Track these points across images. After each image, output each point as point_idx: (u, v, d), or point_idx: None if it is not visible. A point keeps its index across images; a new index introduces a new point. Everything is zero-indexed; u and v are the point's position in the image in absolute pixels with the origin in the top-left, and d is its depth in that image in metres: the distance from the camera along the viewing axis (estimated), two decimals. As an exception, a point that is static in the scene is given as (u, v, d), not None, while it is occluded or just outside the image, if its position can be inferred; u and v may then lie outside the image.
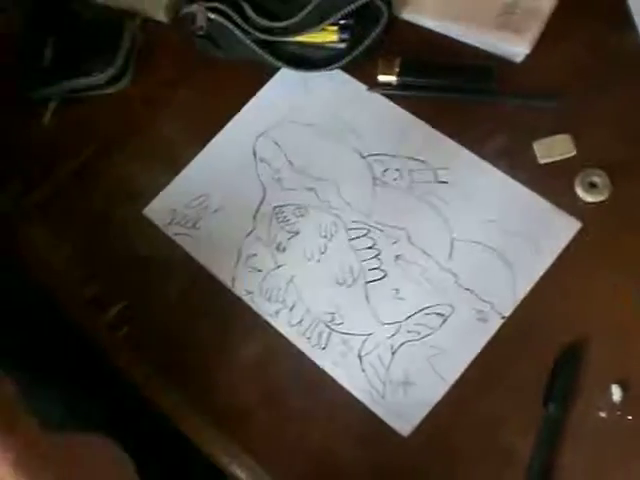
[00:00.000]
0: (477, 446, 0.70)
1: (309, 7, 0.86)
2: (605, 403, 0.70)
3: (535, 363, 0.72)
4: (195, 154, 0.87)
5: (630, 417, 0.69)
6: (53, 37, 0.93)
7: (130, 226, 0.84)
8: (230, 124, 0.88)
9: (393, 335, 0.75)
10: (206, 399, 0.75)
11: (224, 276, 0.80)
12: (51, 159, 0.85)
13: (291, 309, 0.78)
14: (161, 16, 0.95)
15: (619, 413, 0.69)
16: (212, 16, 0.88)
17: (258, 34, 0.87)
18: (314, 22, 0.86)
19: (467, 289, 0.76)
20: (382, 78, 0.87)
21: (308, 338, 0.76)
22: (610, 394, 0.70)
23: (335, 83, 0.89)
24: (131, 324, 0.80)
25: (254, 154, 0.86)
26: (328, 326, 0.76)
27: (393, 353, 0.74)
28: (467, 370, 0.73)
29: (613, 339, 0.73)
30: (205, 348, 0.78)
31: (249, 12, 0.87)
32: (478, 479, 0.69)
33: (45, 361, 0.80)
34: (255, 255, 0.80)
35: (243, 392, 0.75)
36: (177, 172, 0.86)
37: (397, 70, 0.86)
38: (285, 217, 0.82)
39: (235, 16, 0.87)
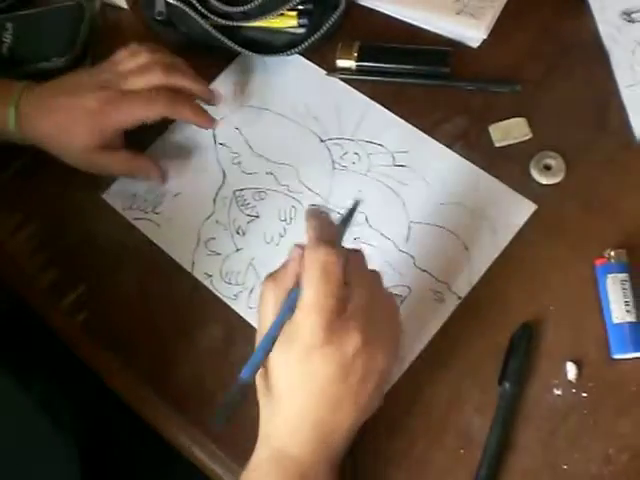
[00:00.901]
0: (434, 426, 0.71)
1: (267, -8, 0.86)
2: (560, 381, 0.71)
3: (491, 343, 0.73)
4: (155, 138, 0.87)
5: (585, 394, 0.70)
6: (11, 22, 0.93)
7: (89, 210, 0.84)
8: (190, 108, 0.88)
9: (351, 316, 0.76)
10: (166, 383, 0.75)
11: (184, 260, 0.80)
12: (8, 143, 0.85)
13: (251, 292, 0.78)
14: (121, 2, 0.95)
15: (574, 391, 0.70)
16: (171, 1, 0.88)
17: (217, 19, 0.87)
18: (273, 7, 0.86)
19: (424, 270, 0.77)
20: (341, 63, 0.88)
21: (268, 321, 0.76)
22: (565, 372, 0.71)
23: (294, 68, 0.89)
24: (89, 310, 0.79)
25: (214, 138, 0.86)
26: (288, 308, 0.77)
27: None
28: (424, 350, 0.74)
29: (568, 318, 0.74)
30: (165, 332, 0.77)
31: (207, -3, 0.87)
32: (435, 459, 0.69)
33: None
34: (214, 239, 0.81)
35: (204, 375, 0.75)
36: (138, 155, 0.86)
37: (355, 55, 0.87)
38: (245, 201, 0.82)
39: (194, 1, 0.87)
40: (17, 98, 0.81)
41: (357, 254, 0.66)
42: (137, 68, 0.83)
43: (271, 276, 0.65)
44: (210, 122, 0.85)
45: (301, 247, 0.64)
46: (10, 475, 0.65)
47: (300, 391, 0.62)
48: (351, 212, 0.68)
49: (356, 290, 0.62)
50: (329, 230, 0.65)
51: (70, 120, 0.81)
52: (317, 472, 0.63)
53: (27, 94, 0.82)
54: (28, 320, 0.81)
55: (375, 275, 0.66)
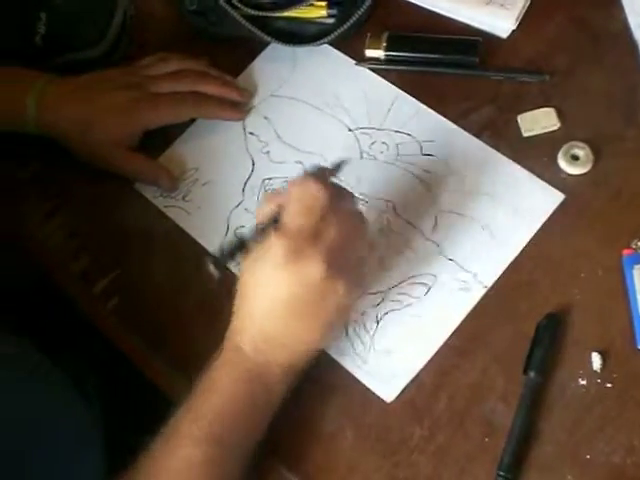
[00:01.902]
0: (459, 413, 0.71)
1: (299, -18, 0.87)
2: (585, 371, 0.71)
3: (517, 332, 0.73)
4: (185, 128, 0.88)
5: (609, 385, 0.70)
6: (45, 13, 0.94)
7: (120, 199, 0.85)
8: (220, 98, 0.89)
9: (378, 304, 0.76)
10: (194, 368, 0.76)
11: (213, 247, 0.81)
12: (40, 137, 0.86)
13: (278, 280, 0.79)
14: (153, -9, 0.96)
15: (599, 381, 0.70)
16: (202, -9, 0.89)
17: (247, 9, 0.88)
18: (303, -3, 0.87)
19: (450, 259, 0.77)
20: (370, 53, 0.88)
21: (294, 307, 0.77)
22: (590, 362, 0.71)
23: (323, 58, 0.90)
24: (121, 295, 0.81)
25: (243, 128, 0.87)
26: (315, 295, 0.78)
27: (378, 322, 0.75)
28: (449, 338, 0.74)
29: (594, 308, 0.74)
30: (194, 318, 0.79)
31: (239, -13, 0.88)
32: (459, 446, 0.70)
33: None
34: (243, 227, 0.81)
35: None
36: (167, 146, 0.87)
37: (384, 45, 0.87)
38: (273, 189, 0.83)
39: (225, -9, 0.88)
40: (40, 88, 0.83)
41: (343, 193, 0.70)
42: (167, 74, 0.86)
43: (270, 194, 0.73)
44: (238, 116, 0.87)
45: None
46: (38, 439, 0.67)
47: (263, 301, 0.68)
48: (342, 162, 0.73)
49: (331, 227, 0.67)
50: (322, 172, 0.71)
51: (94, 115, 0.83)
52: (268, 373, 0.68)
53: (52, 85, 0.84)
54: (51, 297, 0.83)
55: (354, 216, 0.70)
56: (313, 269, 0.65)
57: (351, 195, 0.71)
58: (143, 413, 0.84)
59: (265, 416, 0.68)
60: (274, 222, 0.67)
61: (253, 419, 0.68)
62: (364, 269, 0.73)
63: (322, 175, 0.69)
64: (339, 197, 0.69)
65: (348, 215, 0.69)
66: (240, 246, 0.68)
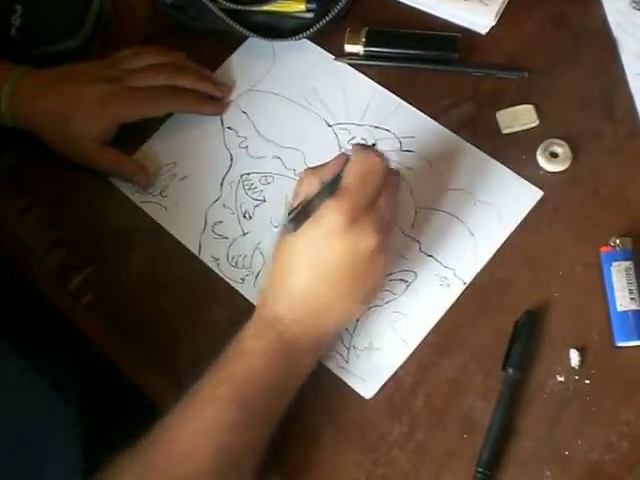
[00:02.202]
0: (438, 410, 0.71)
1: (278, -25, 0.86)
2: (563, 368, 0.71)
3: (496, 329, 0.73)
4: (162, 122, 0.87)
5: (587, 381, 0.71)
6: (20, 5, 0.92)
7: (97, 193, 0.84)
8: (198, 92, 0.88)
9: (358, 301, 0.76)
10: (171, 366, 0.75)
11: (191, 243, 0.80)
12: (13, 129, 0.84)
13: (257, 276, 0.78)
14: (129, -17, 0.95)
15: (577, 378, 0.71)
16: (180, -16, 0.88)
17: (226, 3, 0.87)
18: (283, -9, 0.87)
19: (430, 255, 0.77)
20: (349, 48, 0.88)
21: (273, 304, 0.77)
22: (568, 359, 0.71)
23: (302, 52, 0.89)
24: (96, 291, 0.80)
25: (221, 122, 0.86)
26: (293, 292, 0.77)
27: (357, 319, 0.75)
28: (429, 335, 0.74)
29: (572, 305, 0.74)
30: (171, 315, 0.78)
31: (217, -20, 0.87)
32: (438, 442, 0.70)
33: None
34: (221, 222, 0.81)
35: (208, 360, 0.75)
36: (144, 140, 0.86)
37: (363, 40, 0.87)
38: (252, 185, 0.83)
39: (203, -16, 0.87)
40: (15, 80, 0.82)
41: (393, 170, 0.72)
42: (145, 67, 0.85)
43: (309, 169, 0.71)
44: (216, 110, 0.86)
45: (345, 155, 0.70)
46: (18, 438, 0.65)
47: (309, 268, 0.67)
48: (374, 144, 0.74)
49: (384, 200, 0.68)
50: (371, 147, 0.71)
51: (71, 107, 0.81)
52: (301, 344, 0.68)
53: (26, 78, 0.83)
54: (26, 293, 0.82)
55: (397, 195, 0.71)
56: (366, 240, 0.66)
57: (399, 174, 0.73)
58: (123, 412, 0.84)
59: (293, 388, 0.68)
60: (329, 190, 0.66)
61: (283, 388, 0.68)
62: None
63: (375, 150, 0.70)
64: (392, 174, 0.70)
65: (397, 192, 0.71)
66: (304, 211, 0.68)
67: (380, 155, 0.68)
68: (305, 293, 0.68)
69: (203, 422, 0.64)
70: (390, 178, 0.69)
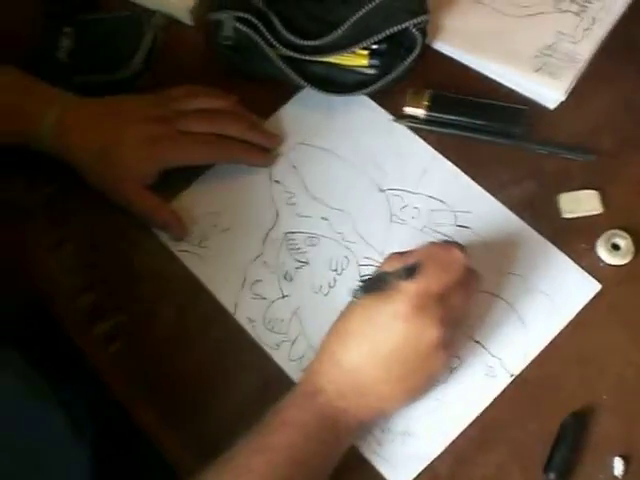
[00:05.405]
0: (472, 507, 0.68)
1: (343, 27, 0.82)
2: (606, 476, 0.68)
3: (540, 426, 0.70)
4: (209, 167, 0.83)
5: (630, 493, 0.67)
6: (70, 28, 0.90)
7: (132, 236, 0.81)
8: (247, 140, 0.85)
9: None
10: (194, 430, 0.72)
11: (226, 300, 0.77)
12: (56, 160, 0.81)
13: (293, 343, 0.75)
14: (186, 18, 0.91)
15: (620, 488, 0.67)
16: (239, 26, 0.84)
17: (285, 50, 0.84)
18: (346, 44, 0.83)
19: (477, 342, 0.73)
20: (409, 110, 0.84)
21: (308, 376, 0.73)
22: (612, 467, 0.68)
23: (360, 109, 0.86)
24: (124, 340, 0.76)
25: (269, 175, 0.83)
26: (330, 366, 0.74)
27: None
28: (469, 426, 0.70)
29: (622, 409, 0.71)
30: (197, 375, 0.74)
31: (278, 27, 0.83)
32: (471, 541, 0.67)
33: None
34: (261, 281, 0.77)
35: (235, 426, 0.71)
36: (187, 185, 0.83)
37: (426, 104, 0.84)
38: (296, 245, 0.79)
39: (263, 29, 0.83)
40: (61, 108, 0.79)
41: (476, 273, 0.70)
42: (196, 111, 0.81)
43: (395, 253, 0.70)
44: (265, 162, 0.83)
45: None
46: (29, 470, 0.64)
47: (366, 342, 0.65)
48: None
49: (458, 297, 0.66)
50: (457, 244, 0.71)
51: (114, 146, 0.79)
52: (342, 422, 0.65)
53: (73, 107, 0.80)
54: (44, 322, 0.79)
55: (474, 297, 0.70)
56: (430, 330, 0.64)
57: (481, 278, 0.70)
58: (134, 462, 0.81)
59: (328, 466, 0.66)
60: (407, 273, 0.65)
61: (319, 466, 0.65)
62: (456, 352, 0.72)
63: (460, 247, 0.69)
64: (472, 274, 0.69)
65: (473, 293, 0.69)
66: (377, 281, 0.66)
67: (464, 251, 0.67)
68: (355, 367, 0.65)
69: None
70: (470, 278, 0.68)
